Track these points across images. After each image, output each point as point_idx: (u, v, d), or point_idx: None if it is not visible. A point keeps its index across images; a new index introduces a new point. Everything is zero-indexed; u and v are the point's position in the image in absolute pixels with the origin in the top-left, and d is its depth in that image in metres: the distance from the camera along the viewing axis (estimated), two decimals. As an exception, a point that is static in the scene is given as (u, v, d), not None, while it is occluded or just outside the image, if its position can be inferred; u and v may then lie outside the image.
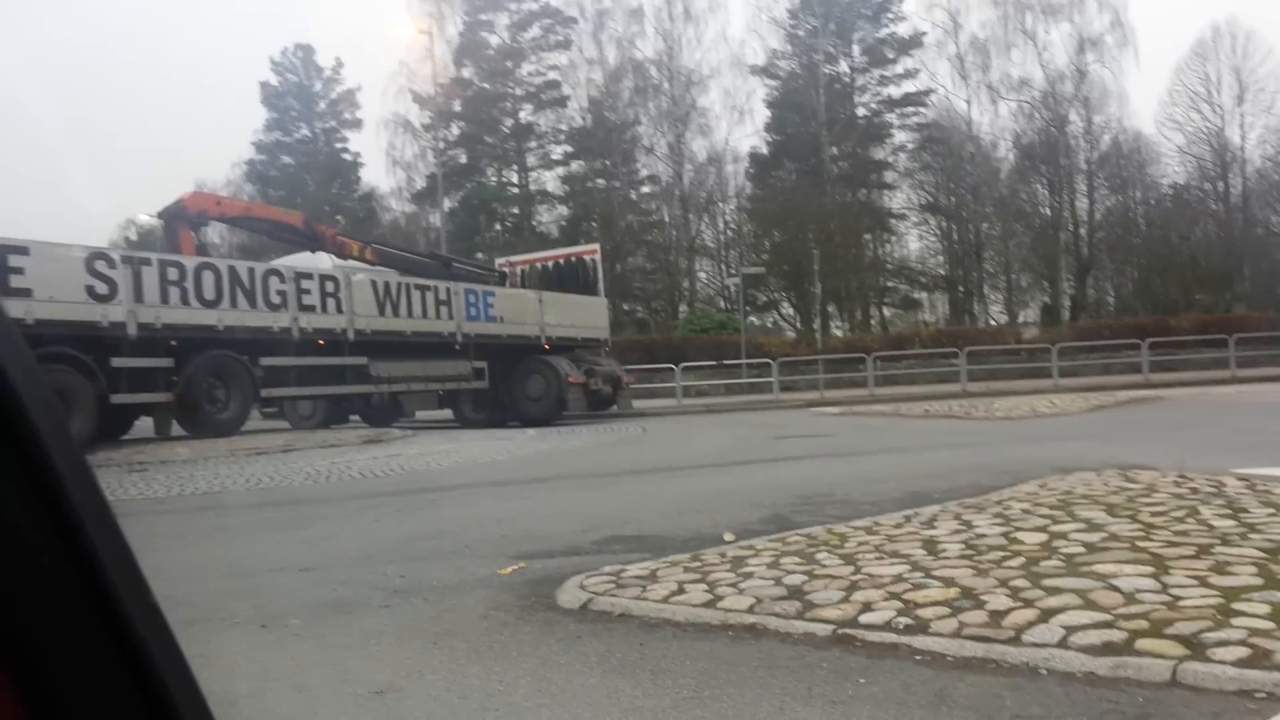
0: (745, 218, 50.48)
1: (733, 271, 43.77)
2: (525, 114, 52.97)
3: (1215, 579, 3.92)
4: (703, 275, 51.47)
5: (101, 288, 13.25)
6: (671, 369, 26.43)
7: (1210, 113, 46.93)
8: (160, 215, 17.97)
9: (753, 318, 44.50)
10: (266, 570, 5.81)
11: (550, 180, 53.93)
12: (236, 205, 23.36)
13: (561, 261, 24.77)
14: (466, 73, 52.06)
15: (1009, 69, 47.63)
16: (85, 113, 63.19)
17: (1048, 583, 4.01)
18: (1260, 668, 2.97)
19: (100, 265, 13.38)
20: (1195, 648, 3.17)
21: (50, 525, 0.65)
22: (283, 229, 19.85)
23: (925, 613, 3.79)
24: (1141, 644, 3.25)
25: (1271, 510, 5.36)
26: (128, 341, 13.57)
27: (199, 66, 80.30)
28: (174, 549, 6.50)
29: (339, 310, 16.76)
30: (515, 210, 53.27)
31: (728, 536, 5.85)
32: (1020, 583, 4.06)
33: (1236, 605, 3.54)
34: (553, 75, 52.38)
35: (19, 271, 12.14)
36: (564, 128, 52.83)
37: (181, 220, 17.38)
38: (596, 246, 27.89)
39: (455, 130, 52.05)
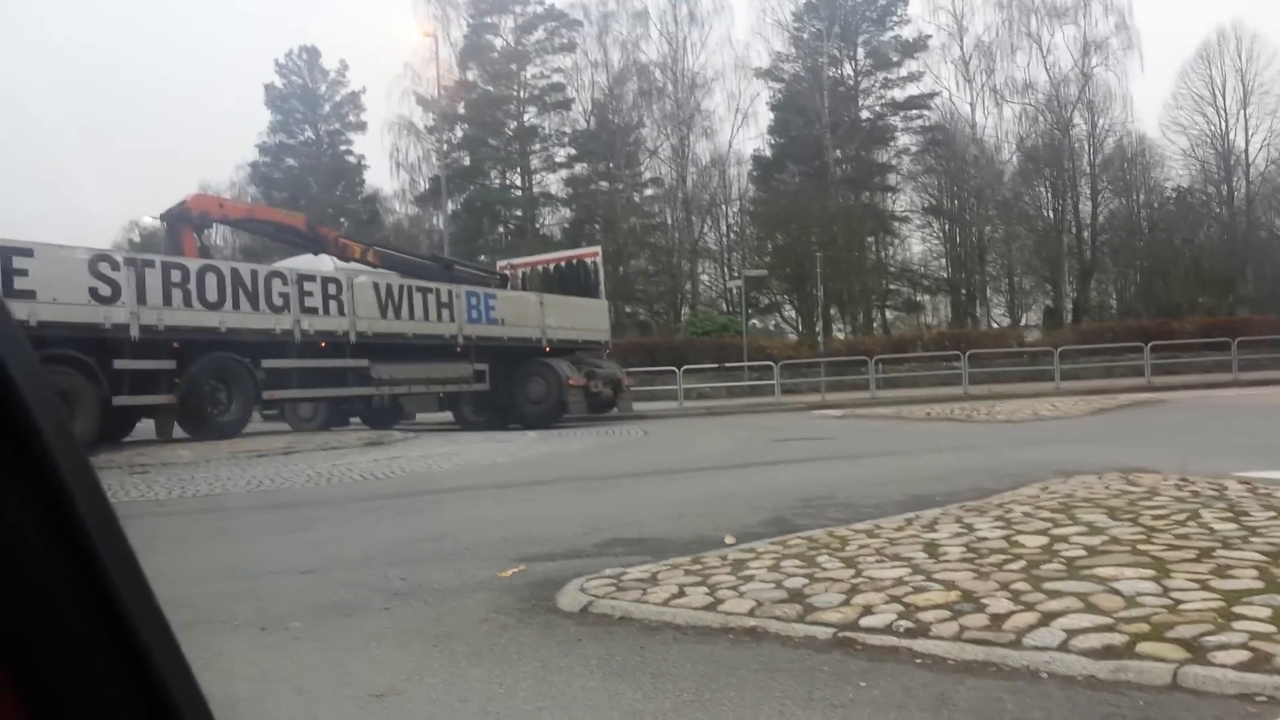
0: (748, 220, 50.53)
1: (735, 274, 43.83)
2: (529, 117, 53.07)
3: (1216, 582, 3.92)
4: (705, 278, 51.55)
5: (104, 289, 13.27)
6: (673, 371, 26.43)
7: (1214, 116, 47.01)
8: (163, 217, 17.99)
9: (755, 320, 44.52)
10: (267, 573, 5.82)
11: (554, 183, 54.10)
12: (239, 207, 23.42)
13: (563, 264, 24.76)
14: (471, 75, 52.17)
15: (1013, 72, 47.75)
16: (89, 114, 63.28)
17: (1049, 586, 4.01)
18: (1261, 671, 2.97)
19: (103, 267, 13.40)
20: (1196, 651, 3.16)
21: (53, 527, 0.65)
22: (285, 231, 19.87)
23: (926, 616, 3.79)
24: (1142, 647, 3.24)
25: (1273, 514, 5.36)
26: (130, 343, 13.58)
27: (203, 68, 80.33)
28: (175, 551, 6.51)
29: (341, 312, 16.77)
30: (518, 213, 53.32)
31: (728, 539, 5.85)
32: (1021, 586, 4.06)
33: (1237, 609, 3.54)
34: (557, 78, 52.51)
35: (23, 273, 12.17)
36: (568, 130, 52.93)
37: (184, 222, 17.40)
38: (598, 249, 27.89)
39: (459, 133, 52.14)
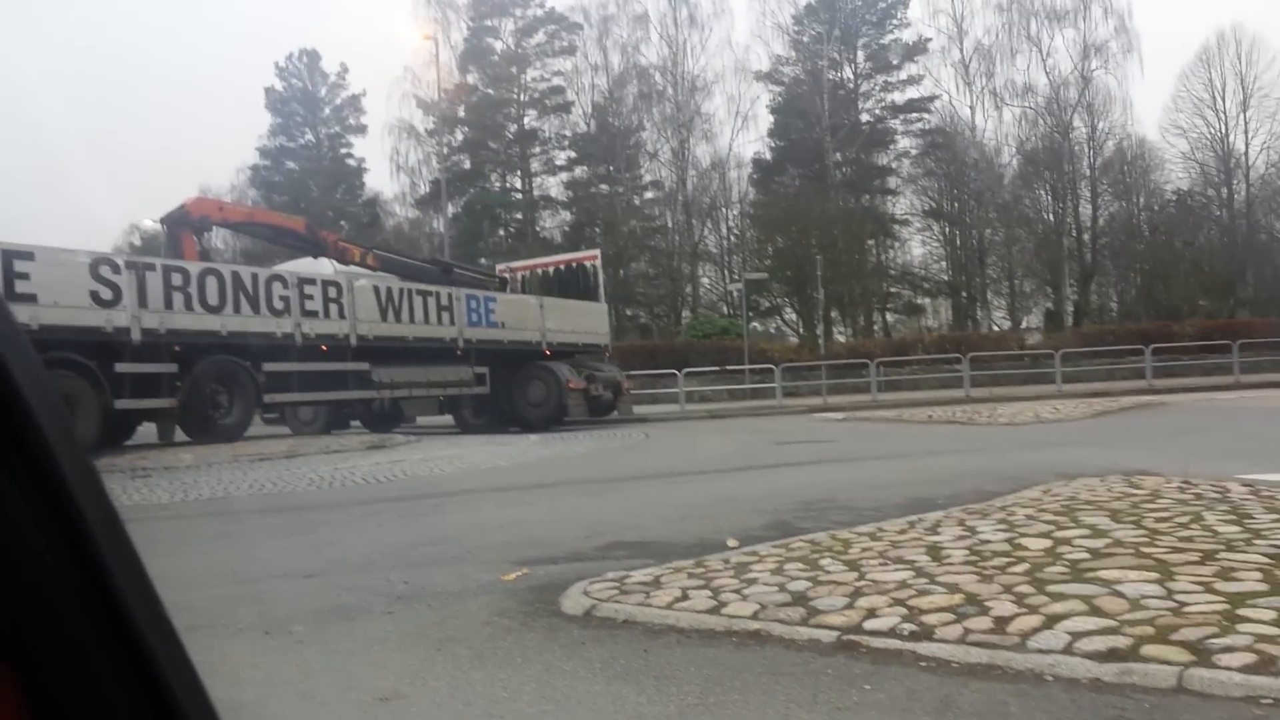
0: (748, 223, 50.55)
1: (736, 277, 43.81)
2: (529, 119, 53.11)
3: (1220, 585, 3.91)
4: (706, 281, 51.53)
5: (106, 293, 13.28)
6: (674, 374, 26.42)
7: (1214, 119, 47.03)
8: (163, 221, 18.03)
9: (756, 323, 44.54)
10: (270, 576, 5.81)
11: (554, 186, 54.10)
12: (239, 211, 23.47)
13: (562, 267, 24.78)
14: (471, 78, 52.19)
15: (1013, 75, 47.81)
16: (89, 117, 63.37)
17: (1052, 589, 4.01)
18: (1266, 674, 2.97)
19: (105, 270, 13.41)
20: (1201, 654, 3.16)
21: (58, 532, 0.65)
22: (285, 234, 19.89)
23: (930, 619, 3.78)
24: (1147, 650, 3.24)
25: (1276, 516, 5.35)
26: (131, 347, 13.59)
27: (203, 72, 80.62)
28: (177, 554, 6.50)
29: (341, 316, 16.78)
30: (519, 216, 53.36)
31: (731, 542, 5.84)
32: (1025, 589, 4.06)
33: (1242, 611, 3.53)
34: (557, 81, 52.56)
35: (24, 277, 12.18)
36: (568, 133, 52.96)
37: (184, 226, 17.43)
38: (597, 252, 27.90)
39: (459, 136, 52.17)
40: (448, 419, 21.92)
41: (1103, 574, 4.19)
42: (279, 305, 15.74)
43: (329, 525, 8.03)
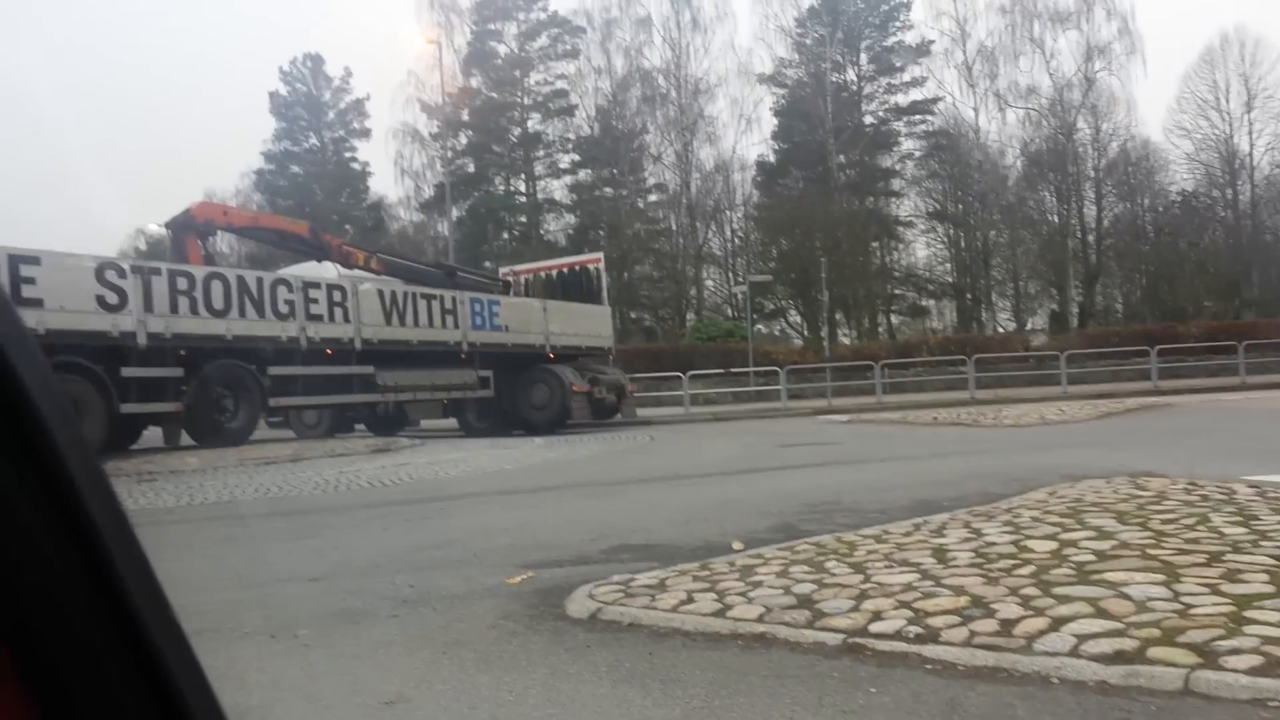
0: (752, 226, 50.57)
1: (740, 279, 43.81)
2: (533, 123, 53.18)
3: (1227, 587, 3.90)
4: (710, 283, 51.57)
5: (112, 297, 13.31)
6: (679, 377, 26.42)
7: (1219, 120, 46.93)
8: (168, 225, 18.07)
9: (760, 326, 44.52)
10: (275, 580, 5.82)
11: (558, 189, 54.15)
12: (243, 215, 23.48)
13: (565, 270, 24.81)
14: (475, 82, 52.30)
15: (1017, 77, 47.77)
16: (94, 122, 63.56)
17: (1058, 591, 4.00)
18: (1273, 676, 2.96)
19: (110, 275, 13.45)
20: (1208, 656, 3.15)
21: (68, 536, 0.65)
22: (289, 238, 19.92)
23: (936, 621, 3.77)
24: (1153, 652, 3.23)
25: (1283, 518, 5.33)
26: (137, 351, 13.63)
27: (207, 76, 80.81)
28: (183, 558, 6.51)
29: (346, 319, 16.81)
30: (523, 219, 53.41)
31: (736, 545, 5.83)
32: (1031, 591, 4.05)
33: (1249, 613, 3.52)
34: (560, 84, 52.67)
35: (30, 281, 12.22)
36: (571, 136, 53.00)
37: (189, 230, 17.46)
38: (600, 255, 27.92)
39: (463, 139, 52.28)
40: (452, 422, 21.93)
41: (1109, 576, 4.18)
42: (284, 309, 15.77)
43: (334, 529, 8.04)
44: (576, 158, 52.95)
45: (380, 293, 17.68)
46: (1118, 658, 3.23)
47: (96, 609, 0.66)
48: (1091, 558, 4.58)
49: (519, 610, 4.61)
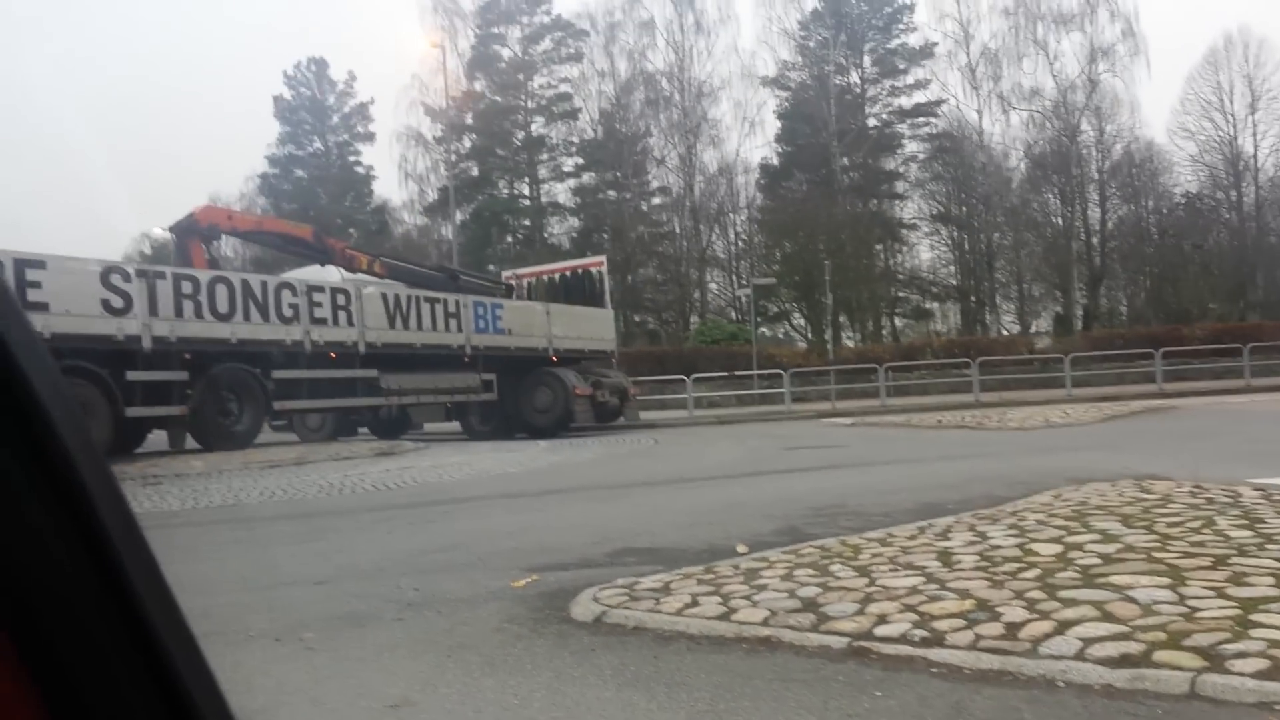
0: (756, 229, 50.57)
1: (744, 282, 43.83)
2: (537, 126, 53.28)
3: (1233, 590, 3.89)
4: (714, 286, 51.62)
5: (117, 301, 13.34)
6: (683, 380, 26.41)
7: (1223, 121, 46.94)
8: (172, 229, 18.12)
9: (764, 328, 44.47)
10: (280, 583, 5.82)
11: (561, 192, 54.26)
12: (247, 219, 23.53)
13: (568, 273, 24.84)
14: (478, 86, 52.42)
15: (1020, 79, 47.77)
16: (99, 126, 63.69)
17: (1064, 594, 3.99)
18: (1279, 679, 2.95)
19: (116, 279, 13.47)
20: (1214, 659, 3.14)
21: (78, 539, 0.65)
22: (293, 242, 19.97)
23: (941, 625, 3.77)
24: (1159, 656, 3.22)
25: (1289, 521, 5.32)
26: (142, 355, 13.65)
27: (212, 80, 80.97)
28: (188, 561, 6.52)
29: (350, 323, 16.83)
30: (527, 222, 53.49)
31: (741, 548, 5.83)
32: (1036, 594, 4.04)
33: (1255, 616, 3.51)
34: (564, 88, 52.75)
35: (36, 285, 12.24)
36: (575, 140, 53.13)
37: (193, 234, 17.51)
38: (603, 258, 27.93)
39: (467, 143, 52.37)
40: (455, 426, 21.94)
41: (1114, 579, 4.17)
42: (288, 313, 15.79)
43: (339, 532, 8.04)
44: (580, 161, 53.04)
45: (384, 296, 17.71)
46: (1123, 661, 3.22)
47: (106, 611, 0.66)
48: (1097, 561, 4.57)
49: (524, 613, 4.61)
